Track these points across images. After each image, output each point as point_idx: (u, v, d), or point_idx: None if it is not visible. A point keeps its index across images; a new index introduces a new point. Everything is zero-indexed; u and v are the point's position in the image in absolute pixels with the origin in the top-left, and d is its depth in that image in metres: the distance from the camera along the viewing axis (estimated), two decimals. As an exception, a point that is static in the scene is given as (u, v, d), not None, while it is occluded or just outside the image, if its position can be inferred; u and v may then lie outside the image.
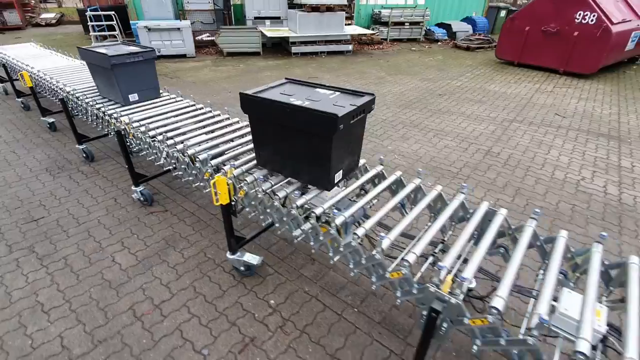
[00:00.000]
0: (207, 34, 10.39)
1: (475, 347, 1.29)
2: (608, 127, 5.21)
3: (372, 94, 1.83)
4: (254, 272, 2.47)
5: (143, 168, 3.79)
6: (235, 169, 2.06)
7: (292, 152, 1.84)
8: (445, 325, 1.36)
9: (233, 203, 2.13)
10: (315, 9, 9.31)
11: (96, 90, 3.56)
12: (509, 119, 5.47)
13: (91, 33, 9.13)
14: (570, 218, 3.12)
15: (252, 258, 2.38)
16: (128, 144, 2.95)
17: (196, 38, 10.33)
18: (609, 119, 5.50)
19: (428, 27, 12.36)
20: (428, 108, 5.90)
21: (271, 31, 9.71)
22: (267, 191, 1.95)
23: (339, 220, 1.66)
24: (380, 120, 5.34)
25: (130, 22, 9.18)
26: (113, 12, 9.41)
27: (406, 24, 11.96)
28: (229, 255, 2.37)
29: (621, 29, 7.56)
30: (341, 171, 1.90)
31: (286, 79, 2.14)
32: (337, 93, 1.89)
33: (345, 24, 11.28)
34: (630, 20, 8.00)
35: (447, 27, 12.38)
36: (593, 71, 7.69)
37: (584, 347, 1.05)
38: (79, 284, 2.38)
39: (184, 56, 9.38)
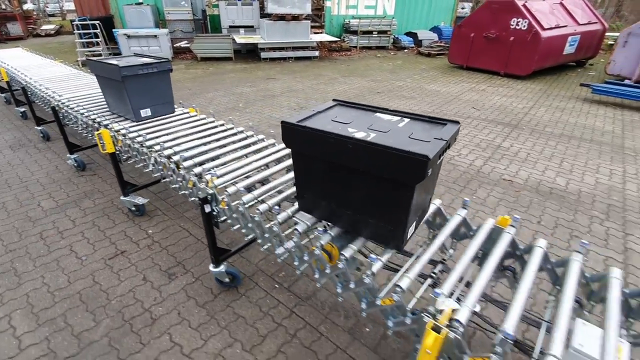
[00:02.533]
0: (186, 41, 11.28)
1: None
2: (512, 117, 5.84)
3: (457, 122, 1.43)
4: (143, 212, 3.14)
5: (75, 137, 4.51)
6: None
7: (350, 199, 1.44)
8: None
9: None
10: (281, 17, 10.16)
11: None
12: (428, 111, 6.13)
13: (76, 40, 10.03)
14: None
15: (140, 199, 3.06)
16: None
17: (175, 45, 11.23)
18: (518, 112, 6.14)
19: (396, 36, 13.16)
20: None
21: (243, 38, 10.56)
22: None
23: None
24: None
25: (113, 30, 10.09)
26: (98, 22, 10.33)
27: (374, 32, 12.77)
28: (121, 197, 3.05)
29: (553, 34, 8.24)
30: (414, 224, 1.50)
31: (334, 100, 1.71)
32: (407, 120, 1.49)
33: (316, 32, 12.14)
34: (565, 26, 8.69)
35: (414, 35, 13.16)
36: (527, 73, 8.35)
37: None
38: (8, 218, 3.06)
39: (161, 61, 10.24)
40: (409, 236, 1.47)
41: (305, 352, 1.95)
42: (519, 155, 4.42)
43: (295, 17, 10.31)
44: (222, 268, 2.27)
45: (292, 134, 1.44)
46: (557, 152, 4.53)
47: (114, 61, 2.90)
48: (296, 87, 7.62)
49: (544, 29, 8.05)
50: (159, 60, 2.91)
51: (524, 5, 8.18)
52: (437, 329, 1.14)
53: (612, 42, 10.68)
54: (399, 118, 1.52)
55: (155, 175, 2.51)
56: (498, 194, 3.53)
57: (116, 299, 2.27)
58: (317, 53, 10.95)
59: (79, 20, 10.72)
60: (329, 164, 1.42)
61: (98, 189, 3.58)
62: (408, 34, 13.50)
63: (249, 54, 11.63)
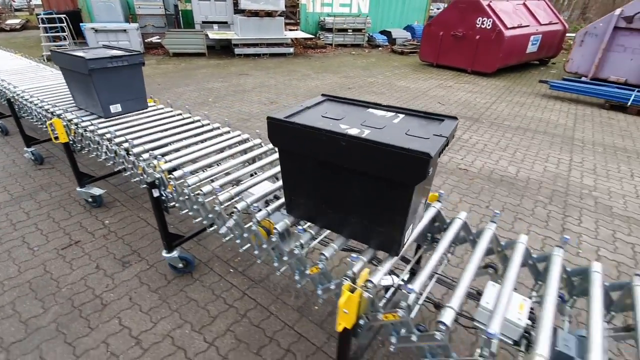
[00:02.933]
0: (157, 37, 11.07)
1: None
2: (475, 112, 6.09)
3: (455, 117, 1.35)
4: (100, 203, 3.12)
5: (36, 132, 4.41)
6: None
7: (343, 200, 1.35)
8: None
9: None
10: (255, 14, 10.13)
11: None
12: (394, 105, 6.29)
13: (41, 34, 9.68)
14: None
15: (96, 190, 3.04)
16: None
17: (146, 40, 11.00)
18: (480, 107, 6.40)
19: (370, 34, 13.36)
20: (331, 98, 6.69)
21: (217, 34, 10.46)
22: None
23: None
24: (284, 107, 6.09)
25: (80, 24, 9.79)
26: (64, 16, 10.00)
27: (349, 30, 12.92)
28: (77, 189, 3.02)
29: (516, 33, 8.60)
30: (411, 226, 1.40)
31: (323, 95, 1.62)
32: (401, 116, 1.42)
33: (292, 29, 12.17)
34: (528, 26, 9.08)
35: (388, 34, 13.40)
36: (492, 70, 8.69)
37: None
38: (-44, 213, 2.98)
39: (132, 56, 10.02)
40: (406, 240, 1.38)
41: (254, 330, 2.02)
42: (476, 146, 4.63)
43: (269, 14, 10.31)
44: (175, 253, 2.31)
45: (280, 130, 1.30)
46: (512, 143, 4.77)
47: (80, 53, 2.70)
48: (268, 83, 7.65)
49: (507, 28, 8.39)
50: (130, 53, 2.74)
51: (489, 5, 8.50)
52: (352, 290, 1.24)
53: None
54: (393, 114, 1.44)
55: (109, 164, 2.51)
56: (453, 182, 3.70)
57: (67, 287, 2.27)
58: (291, 50, 10.98)
59: (44, 14, 10.34)
60: (319, 163, 1.31)
61: (55, 181, 3.51)
62: (382, 32, 13.73)
63: (224, 50, 11.53)
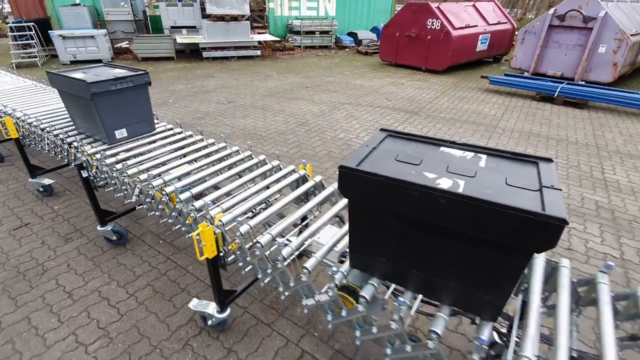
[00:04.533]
0: (127, 42, 11.35)
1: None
2: (417, 106, 6.63)
3: (550, 159, 1.25)
4: (51, 192, 3.49)
5: None
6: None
7: (429, 261, 1.22)
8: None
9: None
10: (220, 18, 10.53)
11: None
12: (345, 102, 6.80)
13: (10, 43, 9.86)
14: (321, 158, 4.36)
15: (46, 181, 3.41)
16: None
17: (116, 45, 11.28)
18: (424, 101, 6.95)
19: (338, 36, 13.89)
20: (286, 96, 7.15)
21: (185, 38, 10.82)
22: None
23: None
24: (239, 105, 6.51)
25: (49, 32, 10.01)
26: (33, 24, 10.19)
27: (317, 32, 13.42)
28: (29, 180, 3.39)
29: (464, 33, 9.22)
30: None
31: (382, 130, 1.51)
32: (484, 156, 1.30)
33: (260, 33, 12.60)
34: (476, 26, 9.73)
35: (354, 35, 13.96)
36: (443, 68, 9.29)
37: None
38: None
39: (99, 61, 10.29)
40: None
41: (171, 284, 2.45)
42: (406, 135, 5.14)
43: (235, 18, 10.72)
44: (108, 227, 2.72)
45: (354, 181, 1.16)
46: (439, 132, 5.31)
47: (79, 74, 2.53)
48: (231, 84, 8.06)
49: (455, 29, 9.00)
50: (135, 73, 2.55)
51: (438, 7, 9.10)
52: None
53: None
54: (472, 154, 1.31)
55: (52, 155, 2.90)
56: (375, 166, 4.19)
57: (15, 258, 2.65)
58: (259, 52, 11.41)
59: (13, 23, 10.52)
60: (404, 219, 1.16)
61: (14, 176, 3.86)
62: (349, 34, 14.28)
63: (193, 53, 11.88)
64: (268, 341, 2.07)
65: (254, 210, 2.00)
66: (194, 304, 2.06)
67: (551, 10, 8.22)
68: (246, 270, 1.74)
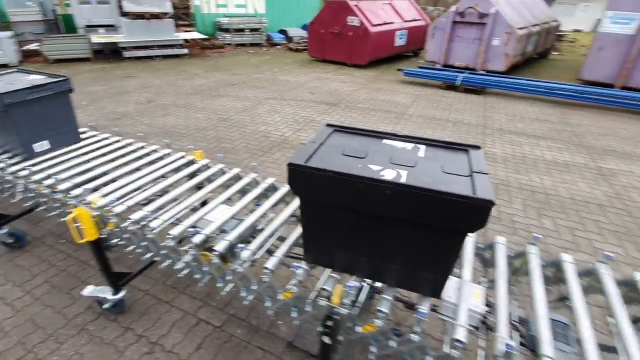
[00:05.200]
0: (36, 43, 10.43)
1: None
2: (337, 98, 7.05)
3: (478, 147, 1.37)
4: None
5: None
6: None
7: (378, 249, 1.29)
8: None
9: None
10: (140, 16, 10.12)
11: None
12: (270, 97, 7.01)
13: None
14: (238, 150, 4.52)
15: None
16: None
17: (24, 48, 10.31)
18: (345, 94, 7.40)
19: (268, 33, 14.02)
20: (211, 94, 7.17)
21: (102, 38, 10.22)
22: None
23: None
24: (160, 104, 6.41)
25: (-64, 32, 8.88)
26: None
27: (246, 30, 13.42)
28: None
29: (382, 29, 9.89)
30: None
31: (329, 126, 1.55)
32: (422, 147, 1.39)
33: (187, 31, 12.29)
34: (392, 23, 10.47)
35: (285, 32, 14.19)
36: (365, 62, 9.90)
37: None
38: None
39: (5, 66, 9.37)
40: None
41: (70, 279, 2.49)
42: (323, 125, 5.50)
43: (156, 15, 10.37)
44: (3, 230, 2.65)
45: (304, 178, 1.20)
46: (355, 120, 5.74)
47: None
48: (152, 84, 7.85)
49: (373, 25, 9.62)
50: (55, 80, 2.38)
51: (356, 5, 9.64)
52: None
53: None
54: (413, 145, 1.40)
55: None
56: (290, 154, 4.47)
57: None
58: (186, 51, 11.15)
59: None
60: (353, 212, 1.22)
61: None
62: (281, 31, 14.47)
63: (114, 54, 11.25)
64: (166, 316, 2.23)
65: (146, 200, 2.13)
66: (89, 290, 2.16)
67: (453, 8, 9.14)
68: (137, 251, 1.86)
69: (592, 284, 1.40)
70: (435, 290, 1.30)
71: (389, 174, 1.16)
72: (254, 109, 6.28)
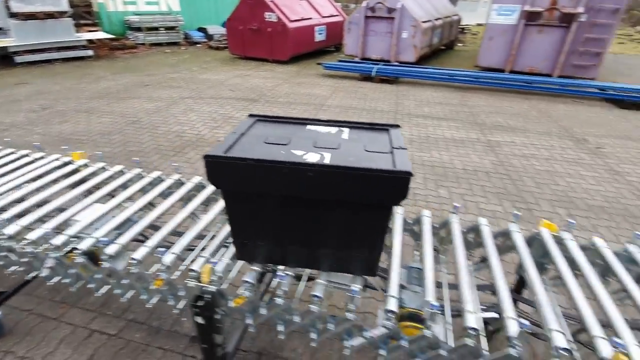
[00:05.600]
0: None
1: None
2: (258, 94, 7.01)
3: (398, 125, 1.42)
4: None
5: None
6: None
7: (312, 235, 1.29)
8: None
9: None
10: (31, 16, 9.00)
11: None
12: (186, 96, 6.72)
13: None
14: (148, 152, 4.28)
15: None
16: None
17: None
18: (265, 89, 7.38)
19: (186, 32, 13.40)
20: (119, 97, 6.66)
21: (-17, 41, 8.88)
22: None
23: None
24: (58, 111, 5.78)
25: None
26: None
27: (161, 29, 12.67)
28: None
29: (300, 25, 10.03)
30: None
31: (251, 116, 1.51)
32: (346, 129, 1.42)
33: (91, 31, 11.22)
34: (310, 18, 10.67)
35: (205, 30, 13.68)
36: (286, 58, 9.98)
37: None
38: None
39: None
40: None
41: None
42: (241, 120, 5.44)
43: (51, 15, 9.30)
44: None
45: (224, 170, 1.15)
46: (275, 114, 5.75)
47: None
48: (50, 90, 7.05)
49: (291, 21, 9.71)
50: None
51: (272, 1, 9.64)
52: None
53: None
54: (337, 129, 1.42)
55: None
56: (205, 151, 4.34)
57: None
58: (90, 52, 10.18)
59: None
60: (280, 199, 1.20)
61: None
62: (200, 29, 13.91)
63: (3, 59, 9.86)
64: (53, 333, 2.05)
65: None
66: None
67: (364, 3, 9.60)
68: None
69: (505, 242, 1.60)
70: (370, 268, 1.33)
71: (312, 158, 1.15)
72: (167, 109, 5.98)
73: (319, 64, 8.80)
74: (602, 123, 5.78)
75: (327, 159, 1.14)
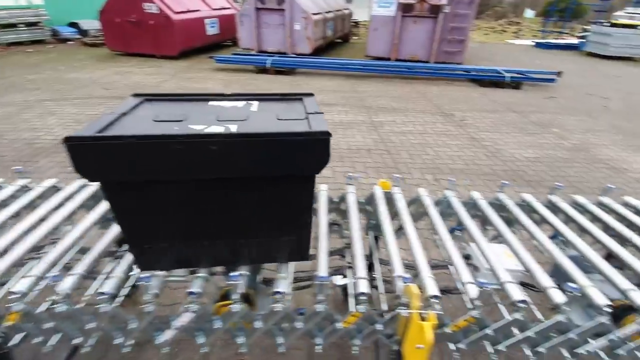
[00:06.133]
0: None
1: None
2: (138, 92, 6.33)
3: (311, 94, 1.30)
4: None
5: None
6: None
7: (225, 224, 1.08)
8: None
9: None
10: None
11: None
12: (46, 99, 5.75)
13: None
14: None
15: None
16: None
17: None
18: (148, 86, 6.74)
19: (54, 27, 11.57)
20: (-48, 103, 5.40)
21: None
22: None
23: None
24: None
25: None
26: None
27: (20, 25, 10.71)
28: None
29: (187, 17, 9.39)
30: None
31: (137, 95, 1.25)
32: (255, 103, 1.24)
33: None
34: (199, 10, 10.09)
35: (77, 26, 11.98)
36: (176, 53, 9.28)
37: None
38: None
39: None
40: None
41: None
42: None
43: None
44: None
45: (97, 155, 0.89)
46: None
47: None
48: None
49: (175, 13, 9.02)
50: None
51: (151, -9, 8.83)
52: None
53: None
54: (244, 102, 1.24)
55: None
56: (61, 158, 3.73)
57: None
58: None
59: None
60: (180, 186, 0.99)
61: None
62: (72, 24, 12.13)
63: None
64: None
65: None
66: None
67: (252, -6, 9.40)
68: None
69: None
70: (301, 252, 1.21)
71: (214, 130, 0.98)
72: (18, 114, 5.02)
73: (211, 57, 8.37)
74: (466, 100, 6.60)
75: (233, 130, 0.99)
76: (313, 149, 0.97)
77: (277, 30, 9.59)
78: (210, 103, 1.24)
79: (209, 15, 10.34)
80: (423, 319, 0.97)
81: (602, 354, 1.15)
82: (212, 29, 10.51)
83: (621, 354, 1.13)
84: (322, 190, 1.71)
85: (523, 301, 1.02)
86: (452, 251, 1.28)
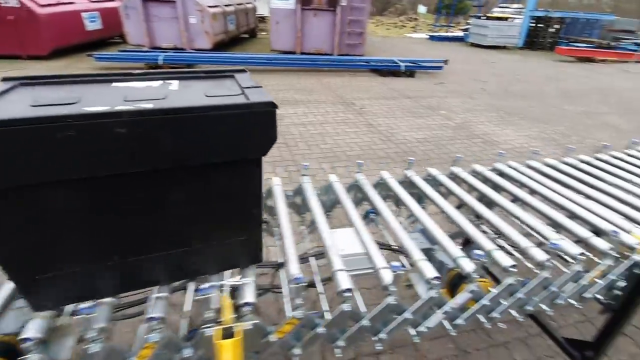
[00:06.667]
0: None
1: None
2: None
3: (245, 70, 1.06)
4: None
5: None
6: None
7: (155, 232, 0.84)
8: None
9: None
10: None
11: None
12: None
13: None
14: None
15: None
16: None
17: None
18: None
19: None
20: None
21: None
22: None
23: None
24: None
25: None
26: None
27: None
28: None
29: (57, 10, 8.09)
30: None
31: (6, 79, 0.86)
32: (175, 81, 0.96)
33: None
34: (73, 3, 8.78)
35: None
36: (47, 52, 7.94)
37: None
38: None
39: None
40: None
41: None
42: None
43: None
44: None
45: None
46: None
47: None
48: None
49: (40, 6, 7.69)
50: None
51: (2, -22, 7.39)
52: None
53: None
54: (160, 82, 0.96)
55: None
56: None
57: None
58: None
59: None
60: (82, 187, 0.72)
61: None
62: None
63: None
64: None
65: None
66: None
67: (134, -16, 8.47)
68: None
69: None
70: (255, 253, 1.05)
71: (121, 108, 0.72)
72: None
73: (89, 55, 7.33)
74: (366, 89, 6.83)
75: (145, 107, 0.75)
76: (256, 125, 0.80)
77: (171, 24, 8.82)
78: (115, 85, 0.95)
79: (87, 9, 9.08)
80: (231, 335, 0.80)
81: (446, 324, 1.13)
82: (92, 24, 9.26)
83: (460, 323, 1.12)
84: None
85: (348, 290, 0.93)
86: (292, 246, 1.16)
